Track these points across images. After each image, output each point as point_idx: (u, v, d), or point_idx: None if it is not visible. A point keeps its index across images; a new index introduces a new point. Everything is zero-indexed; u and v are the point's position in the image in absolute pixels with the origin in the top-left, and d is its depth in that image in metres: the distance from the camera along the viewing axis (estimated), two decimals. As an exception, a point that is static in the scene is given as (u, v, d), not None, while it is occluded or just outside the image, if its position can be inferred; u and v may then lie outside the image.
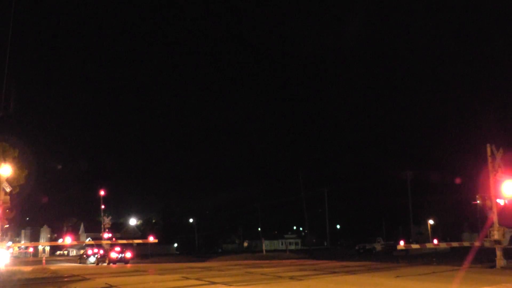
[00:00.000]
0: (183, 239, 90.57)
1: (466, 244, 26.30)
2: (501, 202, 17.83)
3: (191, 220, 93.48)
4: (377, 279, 14.34)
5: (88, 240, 68.74)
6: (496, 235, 17.64)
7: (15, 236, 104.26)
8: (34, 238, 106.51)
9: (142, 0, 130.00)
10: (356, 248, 48.02)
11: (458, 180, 55.63)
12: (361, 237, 59.90)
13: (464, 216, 62.27)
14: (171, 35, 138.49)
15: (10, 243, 40.54)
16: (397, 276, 14.64)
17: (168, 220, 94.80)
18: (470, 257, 19.66)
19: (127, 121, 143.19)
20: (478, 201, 18.96)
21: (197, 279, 15.06)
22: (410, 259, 26.68)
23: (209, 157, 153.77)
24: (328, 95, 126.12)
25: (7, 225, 47.02)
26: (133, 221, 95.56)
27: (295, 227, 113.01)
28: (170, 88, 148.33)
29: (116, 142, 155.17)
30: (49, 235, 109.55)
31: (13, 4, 20.28)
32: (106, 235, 39.83)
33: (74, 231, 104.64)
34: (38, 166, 44.73)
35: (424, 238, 59.18)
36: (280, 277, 15.26)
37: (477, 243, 20.94)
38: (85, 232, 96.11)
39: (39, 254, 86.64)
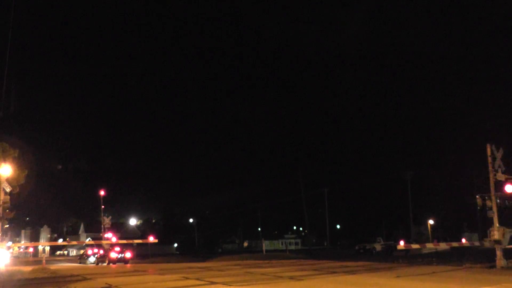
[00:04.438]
0: (183, 239, 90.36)
1: (466, 244, 26.35)
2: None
3: (191, 220, 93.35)
4: (377, 279, 14.34)
5: (88, 240, 68.78)
6: (496, 235, 17.66)
7: (15, 236, 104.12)
8: (34, 238, 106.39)
9: None
10: (356, 248, 47.96)
11: (458, 180, 55.58)
12: (361, 237, 59.84)
13: (464, 216, 62.26)
14: (173, 34, 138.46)
15: (10, 243, 40.49)
16: (397, 276, 14.64)
17: (168, 220, 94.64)
18: (470, 257, 19.70)
19: (127, 121, 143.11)
20: (478, 201, 18.94)
21: (197, 279, 15.06)
22: (410, 259, 26.68)
23: (209, 157, 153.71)
24: (328, 94, 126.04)
25: (7, 225, 47.01)
26: (133, 221, 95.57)
27: (295, 227, 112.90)
28: (170, 88, 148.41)
29: (116, 142, 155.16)
30: (49, 235, 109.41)
31: (13, 4, 20.32)
32: (107, 235, 39.80)
33: (74, 231, 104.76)
34: (38, 166, 44.83)
35: (424, 238, 59.16)
36: (280, 277, 15.26)
37: (477, 243, 20.98)
38: (85, 232, 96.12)
39: (39, 254, 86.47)
